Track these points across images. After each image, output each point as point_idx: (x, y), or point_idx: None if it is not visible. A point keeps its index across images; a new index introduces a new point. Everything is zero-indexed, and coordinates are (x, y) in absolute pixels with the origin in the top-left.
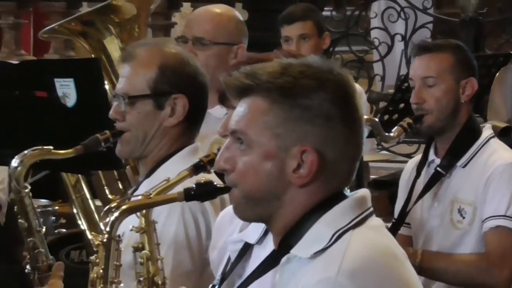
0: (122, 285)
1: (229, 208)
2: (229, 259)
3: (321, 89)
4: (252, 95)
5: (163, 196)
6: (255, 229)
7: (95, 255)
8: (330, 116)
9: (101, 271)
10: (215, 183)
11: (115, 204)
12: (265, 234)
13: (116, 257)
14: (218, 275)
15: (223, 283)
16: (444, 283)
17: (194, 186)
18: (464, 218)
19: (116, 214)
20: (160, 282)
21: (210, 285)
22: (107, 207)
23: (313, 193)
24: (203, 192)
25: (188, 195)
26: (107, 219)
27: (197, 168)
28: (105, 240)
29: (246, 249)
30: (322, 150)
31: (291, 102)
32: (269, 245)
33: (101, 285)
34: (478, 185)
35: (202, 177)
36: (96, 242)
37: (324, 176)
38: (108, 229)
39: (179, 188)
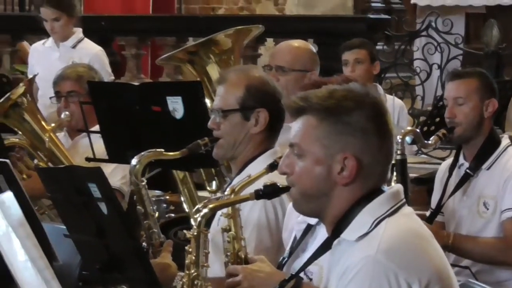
0: (210, 268)
1: None
2: (295, 237)
3: (358, 109)
4: (305, 114)
5: (239, 197)
6: None
7: (189, 245)
8: (366, 130)
9: (193, 257)
10: (278, 184)
11: (202, 204)
12: None
13: (205, 246)
14: (287, 250)
15: (291, 256)
16: (472, 260)
17: (262, 187)
18: (488, 209)
19: (203, 212)
20: (243, 256)
21: (281, 258)
22: (196, 207)
23: (354, 190)
24: (269, 192)
25: (258, 195)
26: (197, 216)
27: (272, 167)
28: (195, 233)
29: (308, 229)
30: (360, 156)
31: (335, 119)
32: None
33: (194, 269)
34: (499, 183)
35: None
36: (188, 235)
37: (362, 177)
38: (197, 224)
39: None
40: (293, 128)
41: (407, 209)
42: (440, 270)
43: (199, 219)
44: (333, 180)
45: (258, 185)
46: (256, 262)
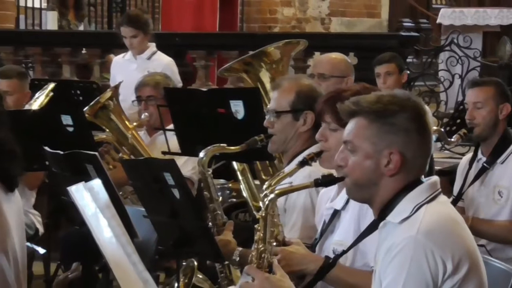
0: (275, 243)
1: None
2: (324, 221)
3: (402, 111)
4: (357, 117)
5: (302, 184)
6: (341, 198)
7: (258, 224)
8: (408, 129)
9: (261, 235)
10: (334, 175)
11: (269, 190)
12: (347, 202)
13: (271, 225)
14: (318, 232)
15: (321, 238)
16: (487, 240)
17: (320, 177)
18: (502, 197)
19: (271, 196)
20: (280, 239)
21: (314, 239)
22: (264, 193)
23: (399, 180)
24: (326, 181)
25: (317, 183)
26: (265, 200)
27: (302, 163)
28: (263, 215)
29: (335, 214)
30: (404, 151)
31: (382, 121)
32: (350, 210)
33: (262, 244)
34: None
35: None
36: (257, 217)
37: (406, 169)
38: (265, 207)
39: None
40: (347, 128)
41: (443, 198)
42: (470, 249)
43: (266, 202)
44: (381, 172)
45: (293, 178)
46: (292, 245)
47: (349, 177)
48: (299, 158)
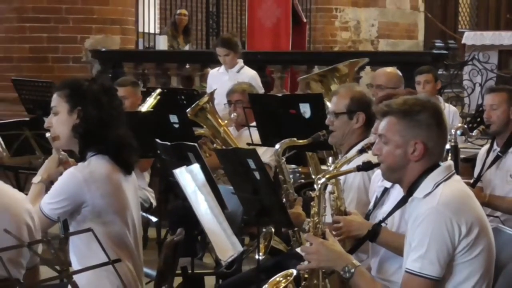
0: (327, 216)
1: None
2: (376, 196)
3: (424, 110)
4: (388, 116)
5: (348, 169)
6: None
7: (313, 202)
8: (429, 124)
9: (316, 210)
10: (372, 161)
11: (321, 175)
12: None
13: (324, 202)
14: (371, 205)
15: (374, 209)
16: (501, 212)
17: (361, 163)
18: None
19: (323, 180)
20: (343, 210)
21: (368, 209)
22: (318, 176)
23: (422, 165)
24: (366, 167)
25: (359, 168)
26: (318, 182)
27: (361, 151)
28: (317, 194)
29: (385, 191)
30: (426, 142)
31: (409, 118)
32: (397, 188)
33: (317, 217)
34: None
35: (366, 157)
36: (313, 195)
37: (428, 155)
38: (318, 188)
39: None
40: (381, 124)
41: (457, 177)
42: (479, 216)
43: (319, 184)
44: (408, 158)
45: (354, 162)
46: (351, 215)
47: (384, 163)
48: (358, 147)
